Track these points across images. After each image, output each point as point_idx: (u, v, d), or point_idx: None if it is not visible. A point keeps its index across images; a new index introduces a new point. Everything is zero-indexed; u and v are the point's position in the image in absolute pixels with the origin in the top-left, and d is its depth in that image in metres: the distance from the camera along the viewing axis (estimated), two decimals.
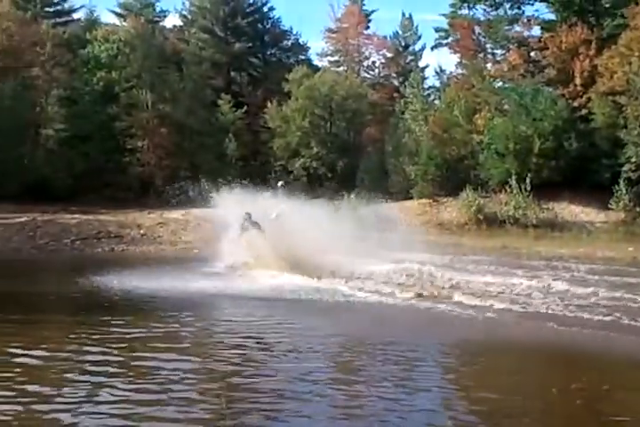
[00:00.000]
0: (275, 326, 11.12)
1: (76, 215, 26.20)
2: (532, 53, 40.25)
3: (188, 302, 12.91)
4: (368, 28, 54.76)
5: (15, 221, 23.55)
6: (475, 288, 14.29)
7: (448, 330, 10.92)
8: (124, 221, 24.99)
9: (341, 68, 54.35)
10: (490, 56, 43.80)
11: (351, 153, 45.52)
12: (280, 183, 25.24)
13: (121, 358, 8.67)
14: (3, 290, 13.82)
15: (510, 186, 32.68)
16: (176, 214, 28.02)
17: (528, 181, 32.10)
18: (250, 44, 55.22)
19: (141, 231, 23.89)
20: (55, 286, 14.74)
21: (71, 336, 9.97)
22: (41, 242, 21.80)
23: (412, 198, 36.75)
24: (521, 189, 32.26)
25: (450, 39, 46.69)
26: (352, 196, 29.41)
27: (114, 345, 9.33)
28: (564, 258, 20.64)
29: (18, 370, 8.03)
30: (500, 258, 20.07)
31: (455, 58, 47.05)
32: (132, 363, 8.53)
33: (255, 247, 18.16)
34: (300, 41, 58.59)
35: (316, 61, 57.16)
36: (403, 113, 41.89)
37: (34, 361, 8.41)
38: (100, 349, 9.13)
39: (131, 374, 8.07)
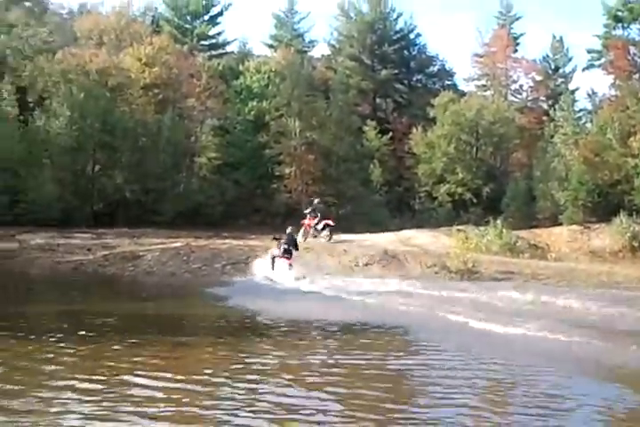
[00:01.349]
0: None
1: (227, 241, 27.16)
2: None
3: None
4: (516, 51, 54.06)
5: (171, 246, 24.74)
6: None
7: None
8: (270, 246, 25.62)
9: (488, 93, 53.73)
10: None
11: (497, 178, 44.83)
12: (316, 201, 28.19)
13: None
14: (159, 312, 14.62)
15: None
16: (321, 240, 28.45)
17: None
18: (396, 71, 55.66)
19: None
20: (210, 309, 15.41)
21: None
22: (194, 266, 22.74)
23: (560, 224, 35.60)
24: None
25: (602, 60, 45.29)
26: (498, 221, 28.84)
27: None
28: None
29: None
30: None
31: (608, 79, 45.48)
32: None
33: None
34: (446, 66, 58.62)
35: (462, 86, 56.93)
36: (552, 137, 40.78)
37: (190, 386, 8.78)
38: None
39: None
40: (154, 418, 7.07)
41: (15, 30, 40.08)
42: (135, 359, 9.72)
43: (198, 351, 10.75)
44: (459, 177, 44.44)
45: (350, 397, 7.94)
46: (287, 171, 42.13)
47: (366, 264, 23.60)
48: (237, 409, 7.39)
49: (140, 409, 7.32)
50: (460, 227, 31.56)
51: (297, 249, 22.53)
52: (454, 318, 13.67)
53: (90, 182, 36.17)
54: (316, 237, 27.10)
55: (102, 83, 39.11)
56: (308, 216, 27.55)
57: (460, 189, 44.40)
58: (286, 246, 22.07)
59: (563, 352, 10.65)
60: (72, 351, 10.25)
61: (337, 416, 7.19)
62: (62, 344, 10.62)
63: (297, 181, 42.10)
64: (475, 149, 45.87)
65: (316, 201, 28.61)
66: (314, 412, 7.31)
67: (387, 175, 45.32)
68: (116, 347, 10.58)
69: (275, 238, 22.93)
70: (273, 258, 21.92)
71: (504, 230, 28.07)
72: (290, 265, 21.68)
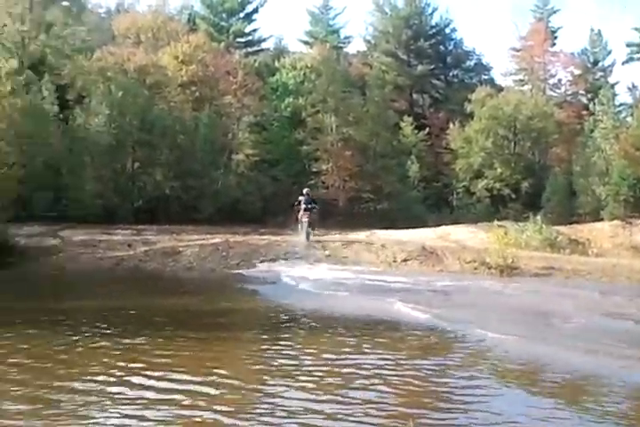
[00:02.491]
0: None
1: (265, 236, 27.26)
2: None
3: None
4: (554, 44, 53.49)
5: (210, 242, 24.88)
6: None
7: None
8: (310, 242, 25.68)
9: (526, 87, 53.24)
10: None
11: (536, 173, 44.39)
12: (305, 191, 28.03)
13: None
14: (203, 308, 14.77)
15: None
16: (360, 235, 28.45)
17: None
18: (432, 66, 55.41)
19: (326, 252, 24.42)
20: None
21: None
22: (232, 262, 22.83)
23: (601, 220, 35.19)
24: None
25: None
26: (538, 217, 28.57)
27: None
28: None
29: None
30: None
31: None
32: None
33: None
34: (483, 61, 58.21)
35: (500, 81, 56.47)
36: (592, 131, 40.29)
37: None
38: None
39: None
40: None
41: (54, 29, 40.57)
42: (182, 353, 9.86)
43: (242, 346, 10.85)
44: (497, 172, 44.11)
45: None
46: (324, 167, 42.20)
47: (404, 260, 23.51)
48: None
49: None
50: (498, 222, 31.35)
51: (316, 205, 27.00)
52: None
53: (130, 180, 36.51)
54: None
55: (140, 81, 39.43)
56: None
57: (498, 185, 44.06)
58: (305, 206, 26.26)
59: None
60: (122, 345, 10.43)
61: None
62: (118, 339, 10.85)
63: (334, 177, 42.13)
64: (513, 143, 45.49)
65: (305, 191, 28.03)
66: None
67: (424, 171, 45.10)
68: (161, 340, 10.75)
69: (294, 205, 26.72)
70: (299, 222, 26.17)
71: (544, 226, 27.80)
72: (310, 222, 25.99)
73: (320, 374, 8.96)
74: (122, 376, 8.66)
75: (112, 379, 8.57)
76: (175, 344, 10.62)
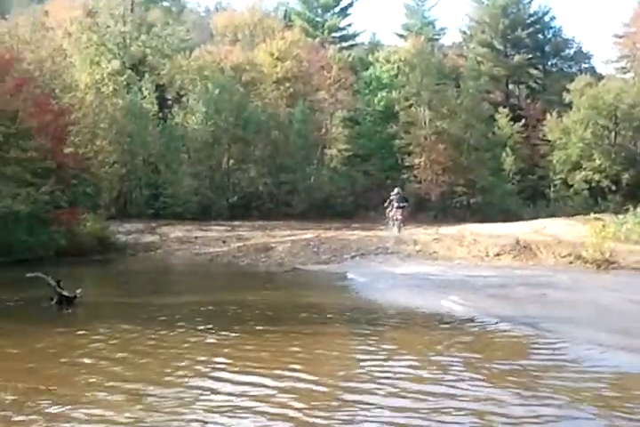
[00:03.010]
0: None
1: (356, 232, 27.46)
2: None
3: None
4: None
5: (301, 238, 25.29)
6: None
7: None
8: (401, 237, 25.74)
9: (628, 75, 51.41)
10: None
11: (638, 164, 42.90)
12: (397, 190, 28.27)
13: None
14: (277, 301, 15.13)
15: None
16: (452, 230, 28.28)
17: None
18: (530, 56, 54.13)
19: (417, 247, 24.41)
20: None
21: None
22: (324, 257, 23.15)
23: None
24: None
25: None
26: (639, 209, 27.60)
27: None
28: None
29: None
30: None
31: None
32: None
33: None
34: (583, 49, 56.51)
35: (601, 69, 54.76)
36: None
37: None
38: None
39: None
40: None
41: (154, 30, 41.82)
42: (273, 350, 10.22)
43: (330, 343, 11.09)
44: (596, 163, 42.86)
45: None
46: (417, 161, 42.02)
47: (497, 254, 23.25)
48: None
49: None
50: (597, 215, 30.51)
51: (408, 202, 28.13)
52: None
53: (225, 176, 37.42)
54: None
55: (236, 78, 40.30)
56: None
57: (597, 176, 42.80)
58: (397, 204, 26.97)
59: None
60: (217, 341, 10.87)
61: None
62: (222, 333, 11.30)
63: (427, 171, 41.91)
64: (613, 133, 44.06)
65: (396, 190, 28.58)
66: None
67: (519, 163, 44.25)
68: (255, 335, 11.15)
69: (386, 205, 27.47)
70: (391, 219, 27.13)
71: None
72: (402, 220, 26.88)
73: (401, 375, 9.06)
74: (207, 372, 9.04)
75: (198, 373, 8.96)
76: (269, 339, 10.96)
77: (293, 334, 11.30)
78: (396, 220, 27.06)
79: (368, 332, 11.71)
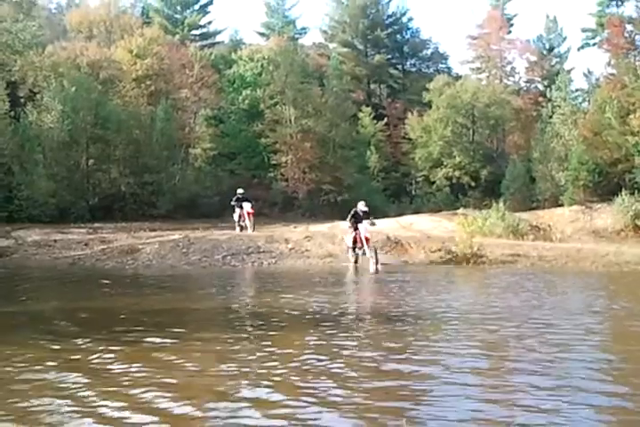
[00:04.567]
0: None
1: (226, 231, 26.82)
2: None
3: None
4: (510, 32, 53.82)
5: (169, 239, 24.35)
6: None
7: None
8: (271, 236, 25.29)
9: (483, 75, 53.45)
10: None
11: (495, 161, 44.58)
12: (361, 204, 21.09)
13: None
14: (160, 307, 14.28)
15: None
16: (322, 228, 28.16)
17: None
18: (389, 56, 55.45)
19: (289, 245, 24.05)
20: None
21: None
22: (194, 258, 22.36)
23: (561, 205, 35.37)
24: None
25: (598, 39, 45.02)
26: (500, 204, 28.51)
27: None
28: None
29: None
30: None
31: (605, 58, 45.25)
32: None
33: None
34: (440, 49, 58.32)
35: (457, 69, 56.72)
36: (550, 117, 40.50)
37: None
38: None
39: None
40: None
41: (4, 25, 39.46)
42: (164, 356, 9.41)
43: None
44: (456, 160, 44.25)
45: None
46: (283, 159, 41.86)
47: None
48: None
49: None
50: (461, 210, 31.28)
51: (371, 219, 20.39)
52: None
53: (84, 177, 35.76)
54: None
55: (94, 76, 38.72)
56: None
57: (457, 173, 44.19)
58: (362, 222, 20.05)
59: None
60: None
61: None
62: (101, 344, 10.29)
63: (294, 169, 41.82)
64: (471, 131, 45.67)
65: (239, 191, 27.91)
66: None
67: (383, 161, 45.08)
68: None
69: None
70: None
71: (506, 213, 27.73)
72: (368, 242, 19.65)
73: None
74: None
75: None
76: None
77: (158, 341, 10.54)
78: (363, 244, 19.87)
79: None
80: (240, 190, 27.78)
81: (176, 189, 36.71)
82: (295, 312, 12.05)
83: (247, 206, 26.70)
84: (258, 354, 8.46)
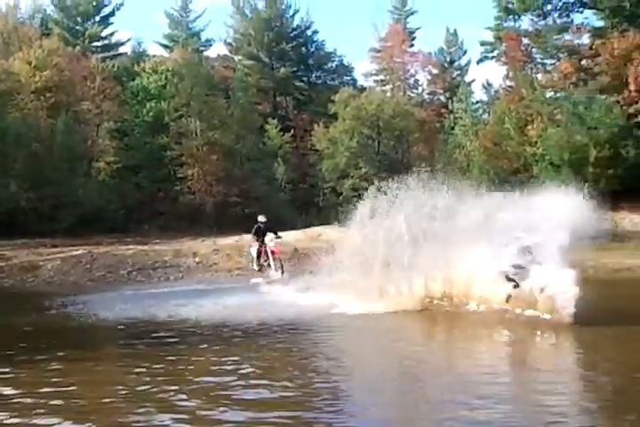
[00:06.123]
0: None
1: (131, 246, 26.25)
2: (583, 61, 39.67)
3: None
4: (412, 45, 54.80)
5: (72, 254, 23.68)
6: None
7: None
8: (179, 250, 24.92)
9: (387, 87, 54.31)
10: (539, 66, 43.42)
11: (400, 172, 45.22)
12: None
13: None
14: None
15: None
16: (230, 240, 27.95)
17: (585, 191, 31.26)
18: (295, 68, 55.64)
19: (196, 259, 23.77)
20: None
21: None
22: (98, 274, 21.84)
23: None
24: None
25: (496, 52, 46.42)
26: None
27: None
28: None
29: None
30: None
31: (503, 70, 46.73)
32: None
33: None
34: (345, 62, 58.83)
35: (362, 81, 57.30)
36: (452, 128, 41.48)
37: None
38: None
39: None
40: None
41: None
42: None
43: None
44: (362, 171, 44.65)
45: None
46: (190, 172, 41.38)
47: None
48: None
49: None
50: None
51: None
52: None
53: None
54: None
55: None
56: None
57: (364, 184, 44.54)
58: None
59: None
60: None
61: None
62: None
63: (200, 182, 41.39)
64: (377, 143, 46.18)
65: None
66: None
67: (290, 173, 45.11)
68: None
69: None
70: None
71: None
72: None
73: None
74: None
75: None
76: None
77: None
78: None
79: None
80: (262, 218, 20.67)
81: (78, 203, 35.68)
82: None
83: (269, 242, 20.17)
84: None
